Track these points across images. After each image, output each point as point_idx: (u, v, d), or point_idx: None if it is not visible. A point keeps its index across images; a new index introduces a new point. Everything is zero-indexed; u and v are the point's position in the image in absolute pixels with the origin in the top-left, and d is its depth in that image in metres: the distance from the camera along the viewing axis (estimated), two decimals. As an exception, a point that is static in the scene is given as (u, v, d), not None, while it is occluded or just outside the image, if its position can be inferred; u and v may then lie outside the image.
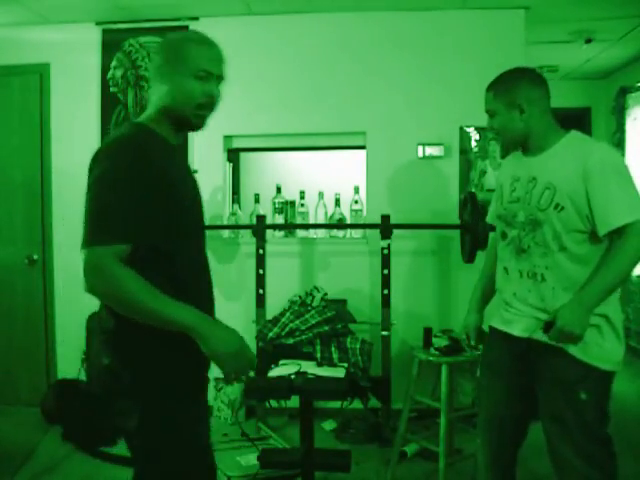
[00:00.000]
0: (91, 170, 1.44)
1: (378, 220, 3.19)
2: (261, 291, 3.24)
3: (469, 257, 2.97)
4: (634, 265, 1.63)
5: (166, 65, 1.49)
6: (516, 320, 1.81)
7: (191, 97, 1.48)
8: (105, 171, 1.40)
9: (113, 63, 3.57)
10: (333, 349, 2.73)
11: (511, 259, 1.82)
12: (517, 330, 1.80)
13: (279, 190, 3.58)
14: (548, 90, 1.84)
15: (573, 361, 1.68)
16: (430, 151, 3.40)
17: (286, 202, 3.56)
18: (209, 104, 1.54)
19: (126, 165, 1.39)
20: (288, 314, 2.90)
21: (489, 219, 2.07)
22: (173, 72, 1.48)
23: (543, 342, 1.71)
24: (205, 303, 1.50)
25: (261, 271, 3.24)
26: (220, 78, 1.59)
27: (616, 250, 1.62)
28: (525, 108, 1.77)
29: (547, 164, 1.75)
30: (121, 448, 2.50)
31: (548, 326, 1.63)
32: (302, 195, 3.54)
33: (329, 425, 3.28)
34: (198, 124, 1.54)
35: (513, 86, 1.80)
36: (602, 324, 1.70)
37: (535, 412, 1.81)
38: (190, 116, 1.50)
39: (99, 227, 1.32)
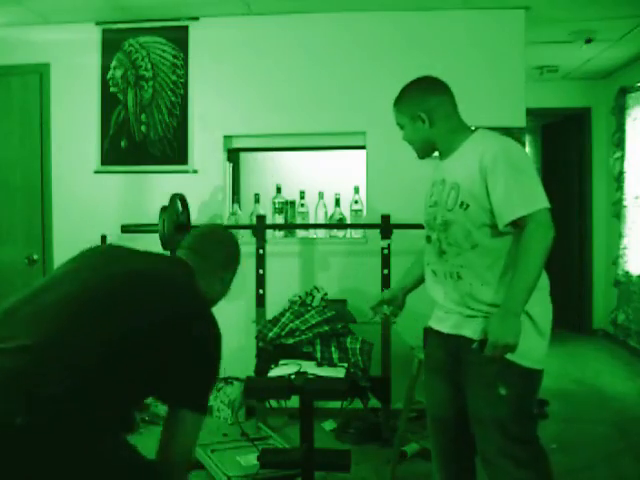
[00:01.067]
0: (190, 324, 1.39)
1: (378, 220, 3.19)
2: (261, 291, 3.24)
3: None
4: (544, 255, 1.62)
5: (227, 270, 1.70)
6: (446, 318, 1.83)
7: (228, 291, 1.78)
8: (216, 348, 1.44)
9: (113, 63, 3.57)
10: (333, 349, 2.73)
11: (435, 261, 1.84)
12: (446, 327, 1.82)
13: (279, 190, 3.58)
14: (448, 93, 1.86)
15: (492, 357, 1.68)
16: (430, 151, 3.39)
17: (286, 202, 3.56)
18: None
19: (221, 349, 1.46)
20: (288, 314, 2.90)
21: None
22: (226, 278, 1.71)
23: (467, 337, 1.73)
24: None
25: (261, 271, 3.24)
26: None
27: (521, 248, 1.63)
28: (424, 117, 1.82)
29: (453, 165, 1.80)
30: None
31: (482, 344, 1.63)
32: (302, 195, 3.54)
33: (329, 425, 3.28)
34: None
35: (410, 99, 1.87)
36: (523, 321, 1.67)
37: None
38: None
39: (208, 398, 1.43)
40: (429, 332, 1.94)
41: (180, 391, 1.37)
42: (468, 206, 1.70)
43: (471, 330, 1.73)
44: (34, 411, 1.10)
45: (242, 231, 3.54)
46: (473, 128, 1.85)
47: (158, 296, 1.38)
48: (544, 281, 1.74)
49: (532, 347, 1.68)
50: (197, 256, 1.60)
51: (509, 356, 1.65)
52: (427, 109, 1.82)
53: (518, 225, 1.64)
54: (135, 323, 1.30)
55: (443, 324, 1.84)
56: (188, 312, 1.41)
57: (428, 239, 1.87)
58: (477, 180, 1.68)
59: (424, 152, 1.94)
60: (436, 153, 1.92)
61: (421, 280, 2.02)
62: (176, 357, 1.32)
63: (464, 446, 1.87)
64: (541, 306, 1.72)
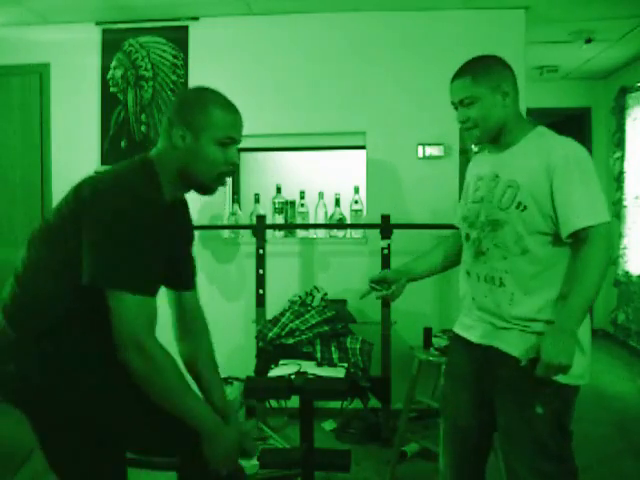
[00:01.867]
0: (93, 201, 1.35)
1: (378, 220, 3.19)
2: (261, 291, 3.24)
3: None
4: (604, 272, 1.51)
5: (189, 122, 1.41)
6: (475, 326, 1.71)
7: (214, 165, 1.43)
8: (125, 221, 1.31)
9: (113, 63, 3.57)
10: (333, 349, 2.73)
11: (470, 262, 1.72)
12: (475, 337, 1.71)
13: (279, 190, 3.58)
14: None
15: (527, 372, 1.56)
16: (430, 151, 3.40)
17: (286, 202, 3.56)
18: (230, 172, 1.49)
19: (141, 220, 1.32)
20: (288, 314, 2.90)
21: (455, 221, 1.90)
22: (196, 134, 1.41)
23: (500, 351, 1.63)
24: None
25: (261, 271, 3.24)
26: (238, 143, 1.52)
27: (583, 262, 1.51)
28: (509, 92, 1.62)
29: (510, 161, 1.63)
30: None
31: (533, 363, 1.51)
32: (302, 195, 3.54)
33: (329, 425, 3.28)
34: (213, 190, 1.51)
35: (492, 68, 1.64)
36: None
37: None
38: (209, 183, 1.47)
39: (129, 272, 1.30)
40: (455, 338, 1.83)
41: (93, 274, 1.29)
42: (526, 208, 1.56)
43: (505, 343, 1.62)
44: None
45: (242, 231, 3.54)
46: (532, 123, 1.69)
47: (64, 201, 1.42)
48: None
49: (573, 364, 1.56)
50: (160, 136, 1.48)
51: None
52: (508, 84, 1.62)
53: (577, 236, 1.52)
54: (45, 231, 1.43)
55: (471, 332, 1.73)
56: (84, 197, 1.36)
57: (467, 237, 1.74)
58: (541, 181, 1.54)
59: (490, 134, 1.65)
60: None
61: (432, 272, 1.94)
62: (82, 244, 1.32)
63: (481, 456, 1.80)
64: (585, 329, 1.60)
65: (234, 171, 1.53)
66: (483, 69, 1.64)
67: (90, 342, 1.38)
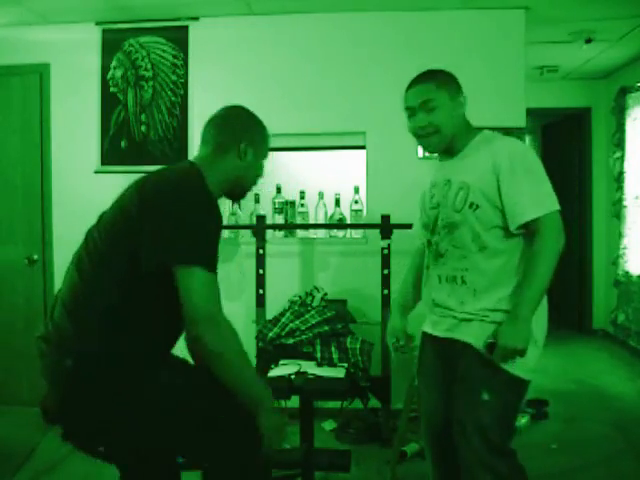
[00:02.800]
0: (159, 193, 1.48)
1: (378, 220, 3.19)
2: (261, 291, 3.24)
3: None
4: (555, 260, 1.58)
5: (252, 140, 1.64)
6: (439, 321, 1.78)
7: (259, 174, 1.71)
8: (193, 206, 1.45)
9: (113, 63, 3.57)
10: (333, 349, 2.73)
11: (430, 264, 1.79)
12: (439, 331, 1.77)
13: (279, 190, 3.58)
14: None
15: (480, 359, 1.64)
16: (430, 151, 3.39)
17: (286, 202, 3.56)
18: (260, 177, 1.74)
19: (206, 207, 1.48)
20: (288, 314, 2.90)
21: (414, 231, 2.05)
22: (256, 150, 1.65)
23: (461, 342, 1.68)
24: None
25: (261, 271, 3.24)
26: None
27: (535, 253, 1.59)
28: (464, 102, 1.73)
29: (460, 165, 1.72)
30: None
31: (491, 347, 1.60)
32: (302, 195, 3.54)
33: (329, 425, 3.28)
34: (245, 195, 1.73)
35: (451, 79, 1.74)
36: None
37: None
38: (248, 188, 1.70)
39: (200, 250, 1.39)
40: (424, 336, 1.89)
41: (166, 254, 1.37)
42: (478, 207, 1.64)
43: (466, 334, 1.68)
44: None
45: (242, 231, 3.54)
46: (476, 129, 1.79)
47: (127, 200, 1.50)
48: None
49: (525, 356, 1.62)
50: (206, 146, 1.66)
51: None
52: (461, 94, 1.73)
53: (529, 227, 1.61)
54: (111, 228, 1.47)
55: (437, 327, 1.79)
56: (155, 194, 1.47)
57: (428, 243, 1.82)
58: (489, 180, 1.63)
59: (446, 141, 1.74)
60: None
61: (416, 296, 1.97)
62: (152, 231, 1.40)
63: (454, 451, 1.78)
64: (537, 315, 1.65)
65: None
66: (443, 78, 1.72)
67: (146, 342, 1.43)
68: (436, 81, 1.71)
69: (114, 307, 1.41)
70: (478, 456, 1.63)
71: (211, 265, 1.39)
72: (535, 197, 1.59)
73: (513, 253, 1.66)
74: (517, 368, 1.62)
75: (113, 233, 1.47)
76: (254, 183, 1.70)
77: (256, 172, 1.69)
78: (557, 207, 1.60)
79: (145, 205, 1.44)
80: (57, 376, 1.42)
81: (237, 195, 1.71)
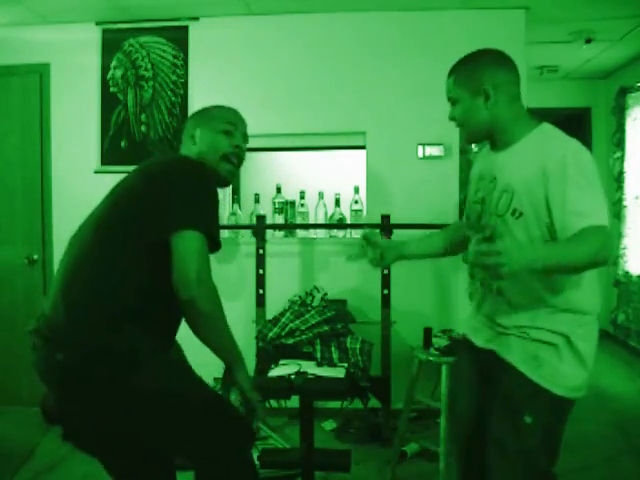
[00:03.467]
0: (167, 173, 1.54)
1: (378, 220, 3.19)
2: (261, 291, 3.24)
3: (469, 257, 2.96)
4: (592, 260, 1.36)
5: (196, 128, 1.68)
6: (481, 329, 1.67)
7: (218, 148, 1.66)
8: (196, 179, 1.52)
9: (113, 63, 3.57)
10: (333, 349, 2.73)
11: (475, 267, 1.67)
12: (480, 340, 1.67)
13: (279, 190, 3.58)
14: (518, 74, 1.61)
15: (522, 378, 1.53)
16: (430, 151, 3.40)
17: (286, 202, 3.56)
18: (235, 155, 1.70)
19: (210, 181, 1.55)
20: (288, 314, 2.90)
21: (465, 216, 1.86)
22: (202, 131, 1.66)
23: (499, 356, 1.58)
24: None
25: (261, 271, 3.24)
26: (245, 137, 1.76)
27: (580, 236, 1.36)
28: (491, 94, 1.54)
29: (508, 162, 1.55)
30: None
31: (486, 240, 1.37)
32: (302, 195, 3.54)
33: (329, 425, 3.28)
34: (226, 177, 1.69)
35: (476, 69, 1.57)
36: (561, 345, 1.52)
37: None
38: (217, 168, 1.65)
39: (199, 216, 1.44)
40: (464, 341, 1.78)
41: (168, 219, 1.42)
42: (521, 215, 1.48)
43: (504, 348, 1.58)
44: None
45: (242, 231, 3.54)
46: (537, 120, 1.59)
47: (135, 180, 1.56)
48: (594, 313, 1.57)
49: (569, 375, 1.53)
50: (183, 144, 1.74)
51: (544, 382, 1.51)
52: (495, 84, 1.54)
53: None
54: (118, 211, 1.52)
55: (477, 335, 1.69)
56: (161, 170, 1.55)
57: (469, 238, 1.70)
58: (537, 186, 1.45)
59: (475, 137, 1.65)
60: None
61: (433, 255, 1.91)
62: (159, 203, 1.45)
63: (480, 460, 1.69)
64: (586, 336, 1.54)
65: (240, 156, 1.72)
66: (466, 71, 1.60)
67: (141, 336, 1.43)
68: (456, 75, 1.61)
69: (112, 296, 1.42)
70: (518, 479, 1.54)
71: (215, 234, 1.46)
72: (593, 209, 1.39)
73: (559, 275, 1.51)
74: (559, 388, 1.51)
75: (114, 215, 1.51)
76: (214, 156, 1.65)
77: (212, 146, 1.65)
78: (606, 223, 1.39)
79: (149, 181, 1.51)
80: (48, 370, 1.42)
81: (217, 181, 1.67)
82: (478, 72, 1.57)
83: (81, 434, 1.54)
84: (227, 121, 1.68)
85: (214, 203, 1.51)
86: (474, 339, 1.70)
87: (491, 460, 1.59)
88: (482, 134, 1.62)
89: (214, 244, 1.48)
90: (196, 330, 1.43)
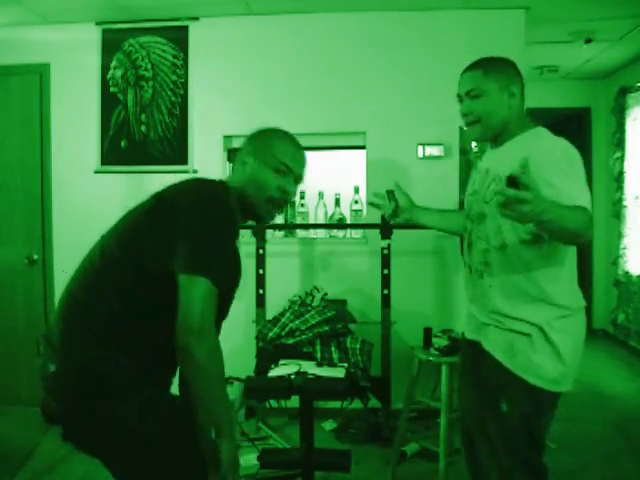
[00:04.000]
0: (178, 201, 1.43)
1: (378, 220, 3.19)
2: (261, 291, 3.24)
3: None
4: (579, 229, 1.38)
5: (253, 151, 1.56)
6: (469, 322, 1.75)
7: (265, 188, 1.53)
8: (213, 216, 1.40)
9: (113, 63, 3.57)
10: (333, 349, 2.73)
11: (465, 253, 1.77)
12: (468, 332, 1.76)
13: (279, 190, 3.57)
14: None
15: (498, 367, 1.59)
16: (430, 151, 3.40)
17: (286, 202, 3.56)
18: (281, 200, 1.57)
19: (227, 220, 1.43)
20: (288, 314, 2.90)
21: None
22: (257, 160, 1.54)
23: (483, 347, 1.64)
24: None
25: (261, 271, 3.24)
26: (298, 179, 1.62)
27: (578, 210, 1.39)
28: (516, 93, 1.63)
29: (501, 156, 1.65)
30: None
31: (512, 181, 1.27)
32: (302, 195, 3.54)
33: (329, 425, 3.28)
34: (264, 217, 1.59)
35: (507, 66, 1.68)
36: (534, 335, 1.57)
37: None
38: (258, 206, 1.55)
39: (211, 263, 1.35)
40: (463, 336, 1.85)
41: (176, 258, 1.34)
42: None
43: (485, 339, 1.64)
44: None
45: (242, 231, 3.54)
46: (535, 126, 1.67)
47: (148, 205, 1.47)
48: (573, 308, 1.63)
49: (544, 366, 1.57)
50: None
51: (518, 371, 1.56)
52: (517, 86, 1.64)
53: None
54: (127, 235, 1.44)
55: (466, 328, 1.79)
56: (174, 193, 1.45)
57: (465, 229, 1.78)
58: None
59: (490, 133, 1.67)
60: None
61: (448, 230, 1.97)
62: (164, 230, 1.37)
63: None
64: (564, 331, 1.59)
65: (286, 200, 1.60)
66: (495, 66, 1.66)
67: (133, 363, 1.39)
68: (485, 68, 1.65)
69: (112, 317, 1.38)
70: (506, 473, 1.58)
71: (221, 281, 1.36)
72: (571, 198, 1.42)
73: (532, 262, 1.57)
74: (534, 377, 1.55)
75: (126, 237, 1.44)
76: (260, 196, 1.54)
77: (257, 182, 1.53)
78: (590, 207, 1.43)
79: (163, 206, 1.43)
80: (43, 378, 1.42)
81: (251, 215, 1.59)
82: (508, 69, 1.66)
83: (80, 439, 1.52)
84: (284, 162, 1.55)
85: (230, 246, 1.44)
86: (466, 333, 1.78)
87: (479, 454, 1.66)
88: (497, 130, 1.65)
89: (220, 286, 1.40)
90: (189, 381, 1.35)
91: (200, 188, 1.46)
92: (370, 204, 2.01)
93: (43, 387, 1.43)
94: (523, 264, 1.58)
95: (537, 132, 1.65)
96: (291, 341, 2.75)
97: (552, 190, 1.41)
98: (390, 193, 1.94)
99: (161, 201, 1.45)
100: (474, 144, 3.40)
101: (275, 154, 1.55)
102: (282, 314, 2.93)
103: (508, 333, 1.60)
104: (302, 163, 1.62)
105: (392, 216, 1.95)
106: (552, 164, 1.47)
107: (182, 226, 1.36)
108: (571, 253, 1.63)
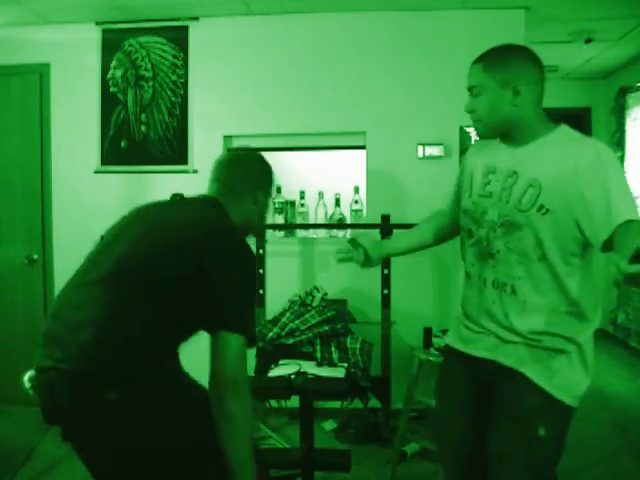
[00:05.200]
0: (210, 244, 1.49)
1: (378, 220, 3.19)
2: (261, 291, 3.24)
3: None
4: None
5: (260, 190, 1.72)
6: (477, 339, 1.56)
7: (265, 217, 1.87)
8: (245, 271, 1.51)
9: (113, 63, 3.57)
10: (333, 349, 2.73)
11: (475, 263, 1.57)
12: (477, 350, 1.56)
13: (279, 190, 3.58)
14: (544, 75, 1.56)
15: (534, 389, 1.46)
16: (430, 151, 3.40)
17: (286, 202, 3.56)
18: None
19: (254, 269, 1.61)
20: (288, 314, 2.90)
21: (444, 204, 1.92)
22: (265, 198, 1.75)
23: (505, 366, 1.50)
24: None
25: (261, 271, 3.24)
26: None
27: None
28: (521, 90, 1.47)
29: (531, 158, 1.48)
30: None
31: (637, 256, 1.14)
32: (302, 195, 3.54)
33: (329, 425, 3.28)
34: (250, 234, 1.78)
35: (512, 61, 1.50)
36: (572, 352, 1.48)
37: None
38: (252, 229, 1.78)
39: (248, 320, 1.46)
40: (451, 352, 1.68)
41: (213, 315, 1.41)
42: (548, 211, 1.41)
43: (512, 358, 1.49)
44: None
45: (242, 231, 3.54)
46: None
47: (188, 247, 1.46)
48: (597, 319, 1.53)
49: (578, 383, 1.50)
50: (223, 186, 1.69)
51: (557, 392, 1.46)
52: (527, 81, 1.48)
53: (605, 243, 1.32)
54: (167, 275, 1.43)
55: (471, 346, 1.58)
56: (211, 244, 1.48)
57: (469, 234, 1.59)
58: (568, 184, 1.38)
59: (492, 132, 1.55)
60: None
61: (424, 246, 1.86)
62: (205, 284, 1.41)
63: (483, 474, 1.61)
64: (590, 341, 1.51)
65: None
66: (500, 61, 1.50)
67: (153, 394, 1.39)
68: (486, 62, 1.52)
69: (127, 337, 1.38)
70: None
71: (252, 335, 1.45)
72: (630, 202, 1.34)
73: (573, 272, 1.45)
74: (570, 397, 1.48)
75: (154, 284, 1.42)
76: (261, 221, 1.84)
77: (264, 211, 1.80)
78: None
79: (190, 252, 1.44)
80: (49, 378, 1.45)
81: (247, 234, 1.74)
82: (513, 65, 1.50)
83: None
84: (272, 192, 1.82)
85: (255, 296, 1.59)
86: (468, 350, 1.60)
87: (496, 476, 1.51)
88: (500, 130, 1.53)
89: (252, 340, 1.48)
90: (218, 426, 1.41)
91: (228, 238, 1.53)
92: (340, 260, 1.90)
93: (46, 385, 1.45)
94: (561, 276, 1.45)
95: (566, 131, 1.51)
96: (291, 341, 2.75)
97: (611, 196, 1.33)
98: (353, 241, 1.88)
99: (186, 244, 1.45)
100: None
101: (273, 184, 1.81)
102: (282, 314, 2.93)
103: (543, 352, 1.48)
104: None
105: (365, 262, 1.85)
106: (610, 171, 1.37)
107: (217, 281, 1.42)
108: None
